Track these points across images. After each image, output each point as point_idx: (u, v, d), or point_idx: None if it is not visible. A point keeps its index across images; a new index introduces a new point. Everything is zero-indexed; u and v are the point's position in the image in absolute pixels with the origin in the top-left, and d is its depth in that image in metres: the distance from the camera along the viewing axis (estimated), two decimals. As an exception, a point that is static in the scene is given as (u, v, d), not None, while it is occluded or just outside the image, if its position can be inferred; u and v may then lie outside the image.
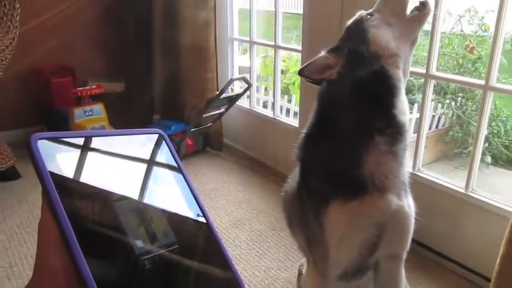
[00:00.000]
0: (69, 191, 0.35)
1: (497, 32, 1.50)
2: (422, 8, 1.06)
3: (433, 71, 1.73)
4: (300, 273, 1.45)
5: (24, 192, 2.22)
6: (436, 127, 3.25)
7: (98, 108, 2.64)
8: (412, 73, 1.76)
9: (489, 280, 1.21)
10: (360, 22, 1.06)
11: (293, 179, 1.15)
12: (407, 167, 1.04)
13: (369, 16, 1.06)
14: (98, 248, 0.35)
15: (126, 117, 2.72)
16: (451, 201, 1.69)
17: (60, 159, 0.36)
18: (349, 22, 1.09)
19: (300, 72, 1.05)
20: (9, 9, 2.24)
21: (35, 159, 0.35)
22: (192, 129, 2.62)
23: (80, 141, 0.39)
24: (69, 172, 0.37)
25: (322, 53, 1.04)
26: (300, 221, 1.12)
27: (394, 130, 0.98)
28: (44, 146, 0.36)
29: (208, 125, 2.68)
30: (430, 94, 1.79)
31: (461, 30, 3.15)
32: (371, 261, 1.07)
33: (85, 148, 0.39)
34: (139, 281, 0.36)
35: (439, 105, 3.22)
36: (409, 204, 1.03)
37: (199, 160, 2.67)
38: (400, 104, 0.99)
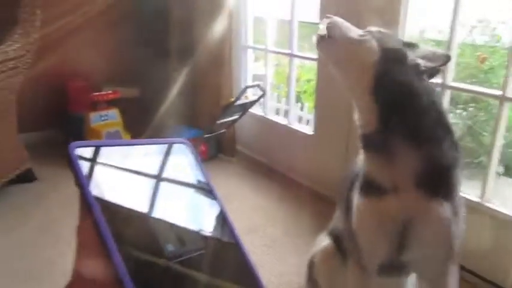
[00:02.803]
0: (106, 200, 0.37)
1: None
2: None
3: (449, 81, 1.74)
4: (311, 263, 1.45)
5: (40, 195, 2.25)
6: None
7: (113, 113, 2.68)
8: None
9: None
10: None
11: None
12: None
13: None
14: (132, 250, 0.37)
15: (140, 122, 2.75)
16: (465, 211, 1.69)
17: (96, 167, 0.39)
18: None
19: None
20: (29, 15, 2.28)
21: (74, 167, 0.37)
22: (206, 135, 2.64)
23: (112, 149, 0.41)
24: (103, 179, 0.39)
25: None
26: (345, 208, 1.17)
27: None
28: (81, 154, 0.38)
29: (222, 131, 2.70)
30: (445, 104, 1.79)
31: (473, 41, 3.16)
32: (404, 259, 1.09)
33: (116, 155, 0.41)
34: (169, 283, 0.37)
35: (450, 115, 3.23)
36: (443, 207, 1.02)
37: (212, 166, 2.68)
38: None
